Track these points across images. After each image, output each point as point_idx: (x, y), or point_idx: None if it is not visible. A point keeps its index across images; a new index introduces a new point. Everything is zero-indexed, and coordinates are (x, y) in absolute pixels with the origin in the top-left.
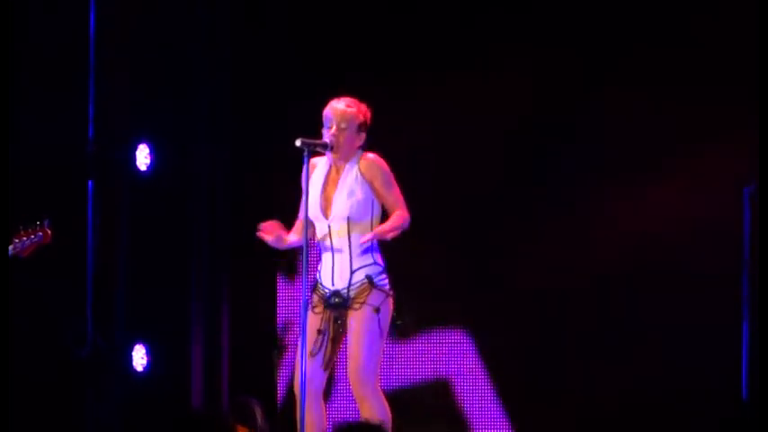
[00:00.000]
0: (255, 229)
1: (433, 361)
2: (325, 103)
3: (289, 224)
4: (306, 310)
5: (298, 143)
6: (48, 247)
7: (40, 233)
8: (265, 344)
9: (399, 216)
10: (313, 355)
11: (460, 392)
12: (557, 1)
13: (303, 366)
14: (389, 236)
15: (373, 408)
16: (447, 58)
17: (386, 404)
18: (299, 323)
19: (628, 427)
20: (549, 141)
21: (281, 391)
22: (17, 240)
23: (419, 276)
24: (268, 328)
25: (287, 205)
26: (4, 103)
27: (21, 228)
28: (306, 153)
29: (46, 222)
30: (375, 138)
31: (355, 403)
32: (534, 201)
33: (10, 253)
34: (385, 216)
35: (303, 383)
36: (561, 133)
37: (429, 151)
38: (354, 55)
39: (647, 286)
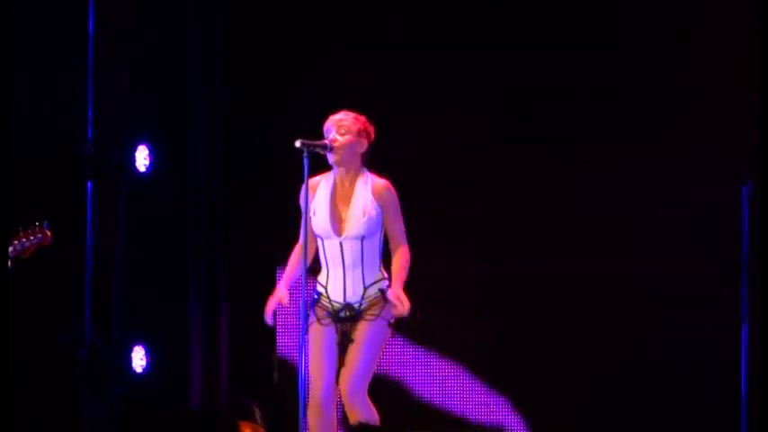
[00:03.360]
0: (253, 230)
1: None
2: (322, 106)
3: (288, 225)
4: (305, 313)
5: (297, 144)
6: (48, 248)
7: (40, 234)
8: (264, 345)
9: (404, 258)
10: (342, 366)
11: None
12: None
13: (302, 370)
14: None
15: (364, 416)
16: (449, 61)
17: (375, 411)
18: (309, 334)
19: (627, 428)
20: (552, 139)
21: (279, 392)
22: (16, 242)
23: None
24: (267, 329)
25: (285, 207)
26: (4, 105)
27: (20, 229)
28: (305, 154)
29: (45, 224)
30: (380, 141)
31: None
32: (537, 201)
33: (10, 254)
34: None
35: (302, 386)
36: (561, 131)
37: (424, 154)
38: (353, 55)
39: (646, 287)
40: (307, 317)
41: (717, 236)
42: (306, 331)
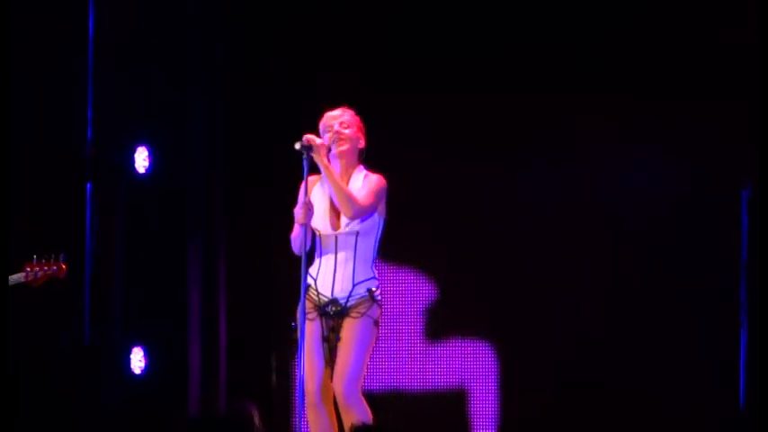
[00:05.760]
0: (252, 232)
1: (452, 370)
2: (321, 106)
3: (288, 228)
4: (303, 314)
5: (297, 146)
6: (60, 281)
7: (56, 267)
8: (263, 347)
9: (357, 199)
10: (328, 364)
11: (477, 402)
12: None
13: (301, 368)
14: (331, 181)
15: (358, 416)
16: (445, 81)
17: (369, 411)
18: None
19: (626, 430)
20: (551, 140)
21: (277, 394)
22: (29, 269)
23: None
24: (265, 331)
25: (285, 209)
26: (4, 106)
27: (35, 257)
28: (304, 156)
29: (62, 256)
30: (378, 140)
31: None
32: (535, 202)
33: (21, 280)
34: (387, 234)
35: (300, 384)
36: (559, 132)
37: (434, 169)
38: (351, 57)
39: (645, 290)
40: (305, 317)
41: (716, 240)
42: (303, 333)
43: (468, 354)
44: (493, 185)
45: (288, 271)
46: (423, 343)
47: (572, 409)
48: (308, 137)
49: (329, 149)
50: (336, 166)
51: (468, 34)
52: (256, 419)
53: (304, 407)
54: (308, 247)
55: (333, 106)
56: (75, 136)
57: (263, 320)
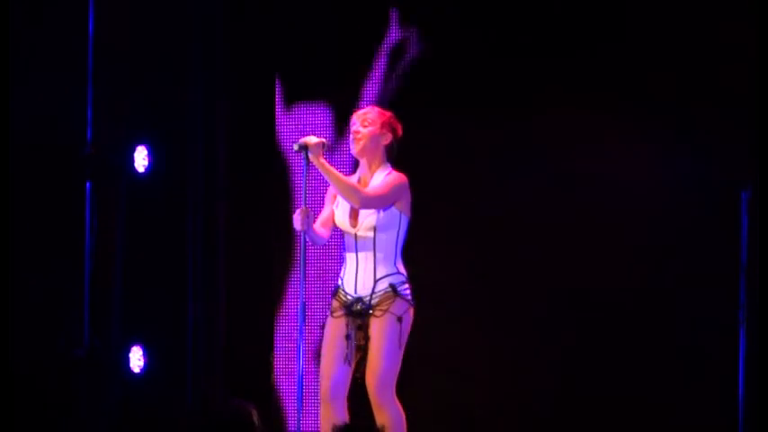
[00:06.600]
0: (252, 232)
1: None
2: (320, 106)
3: (288, 228)
4: (303, 312)
5: (295, 147)
6: None
7: None
8: (263, 346)
9: (358, 187)
10: (349, 362)
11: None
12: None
13: (300, 366)
14: (330, 176)
15: (391, 416)
16: (444, 81)
17: (402, 412)
18: (323, 329)
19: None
20: (550, 143)
21: (278, 394)
22: None
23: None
24: (265, 331)
25: (284, 209)
26: (4, 106)
27: None
28: (304, 157)
29: None
30: None
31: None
32: (535, 205)
33: None
34: (411, 231)
35: (300, 383)
36: (559, 135)
37: (434, 160)
38: (351, 57)
39: (645, 291)
40: (305, 318)
41: (716, 240)
42: (302, 331)
43: (466, 354)
44: (492, 185)
45: (288, 271)
46: (421, 341)
47: (572, 408)
48: (305, 138)
49: (325, 147)
50: (361, 164)
51: (467, 34)
52: (256, 419)
53: (303, 406)
54: (316, 243)
55: (334, 106)
56: (75, 135)
57: (263, 320)
